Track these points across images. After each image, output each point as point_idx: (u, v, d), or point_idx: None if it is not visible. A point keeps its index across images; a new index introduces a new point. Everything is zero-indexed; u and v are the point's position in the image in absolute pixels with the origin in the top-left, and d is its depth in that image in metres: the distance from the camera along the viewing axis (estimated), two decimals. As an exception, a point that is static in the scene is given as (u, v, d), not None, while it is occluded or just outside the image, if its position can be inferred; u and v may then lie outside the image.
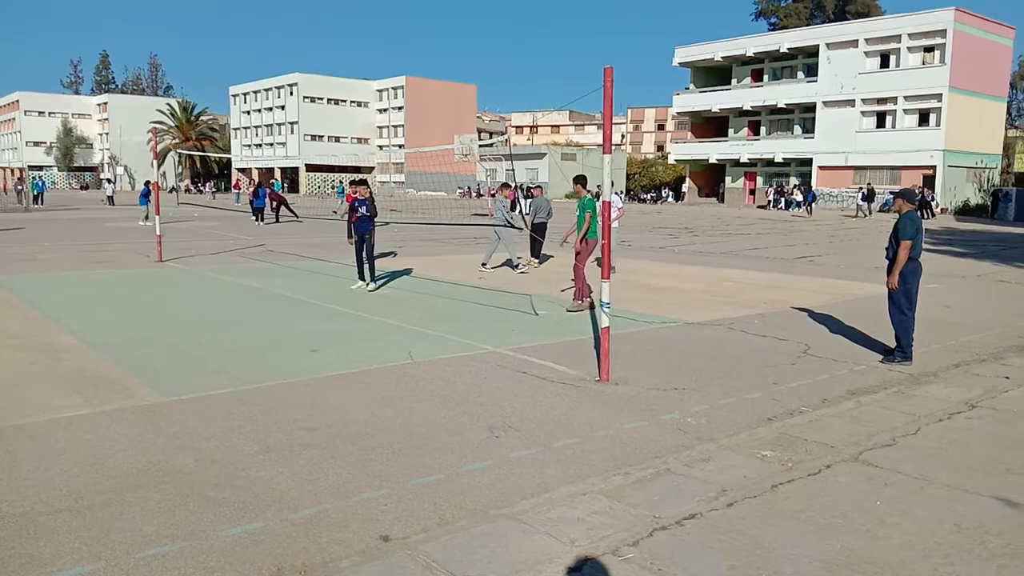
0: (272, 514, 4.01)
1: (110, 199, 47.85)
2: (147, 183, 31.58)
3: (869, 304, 11.23)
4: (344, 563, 3.52)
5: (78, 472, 4.55)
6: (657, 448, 5.10)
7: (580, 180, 11.23)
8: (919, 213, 8.35)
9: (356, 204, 12.24)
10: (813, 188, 50.11)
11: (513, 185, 14.93)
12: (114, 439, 5.13)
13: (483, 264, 15.11)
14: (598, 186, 14.43)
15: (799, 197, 49.34)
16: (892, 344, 7.91)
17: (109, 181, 57.78)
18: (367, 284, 12.19)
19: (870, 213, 41.60)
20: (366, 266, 12.24)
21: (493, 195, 46.88)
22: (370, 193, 12.44)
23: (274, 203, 31.94)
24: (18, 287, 12.02)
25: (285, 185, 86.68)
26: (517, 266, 14.99)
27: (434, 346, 8.14)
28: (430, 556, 3.58)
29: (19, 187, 42.55)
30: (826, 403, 6.21)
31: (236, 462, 4.74)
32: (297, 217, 31.69)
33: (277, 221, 31.03)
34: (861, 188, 44.72)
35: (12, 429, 5.30)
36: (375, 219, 12.30)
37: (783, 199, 51.73)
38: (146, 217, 28.78)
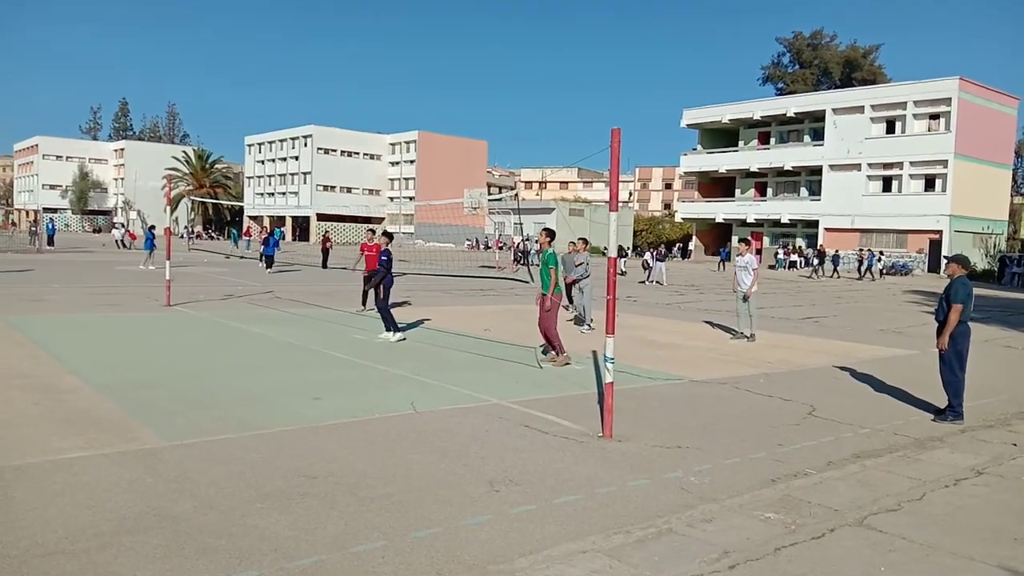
0: (268, 563, 3.97)
1: (121, 242, 48.13)
2: (151, 228, 32.01)
3: (875, 367, 11.18)
4: (338, 615, 3.47)
5: (75, 514, 4.52)
6: (659, 507, 5.04)
7: (548, 233, 10.92)
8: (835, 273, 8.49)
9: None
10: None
11: (522, 237, 15.05)
12: (113, 482, 5.10)
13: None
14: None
15: (795, 258, 50.62)
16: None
17: (122, 225, 58.30)
18: (389, 335, 12.10)
19: (821, 274, 42.10)
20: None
21: (501, 247, 47.27)
22: (383, 245, 12.62)
23: (323, 246, 34.15)
24: (26, 327, 12.08)
25: (297, 234, 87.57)
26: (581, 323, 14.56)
27: (437, 396, 8.12)
28: (426, 611, 3.52)
29: (33, 228, 43.08)
30: (831, 466, 6.14)
31: (234, 509, 4.71)
32: (324, 266, 32.34)
33: (325, 267, 32.04)
34: (819, 250, 45.64)
35: (11, 469, 5.28)
36: (386, 271, 12.31)
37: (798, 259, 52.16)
38: (148, 261, 29.02)
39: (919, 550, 4.45)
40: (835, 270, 43.28)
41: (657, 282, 30.81)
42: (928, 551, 4.44)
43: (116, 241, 48.77)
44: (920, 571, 4.16)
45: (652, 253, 33.23)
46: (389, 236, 12.93)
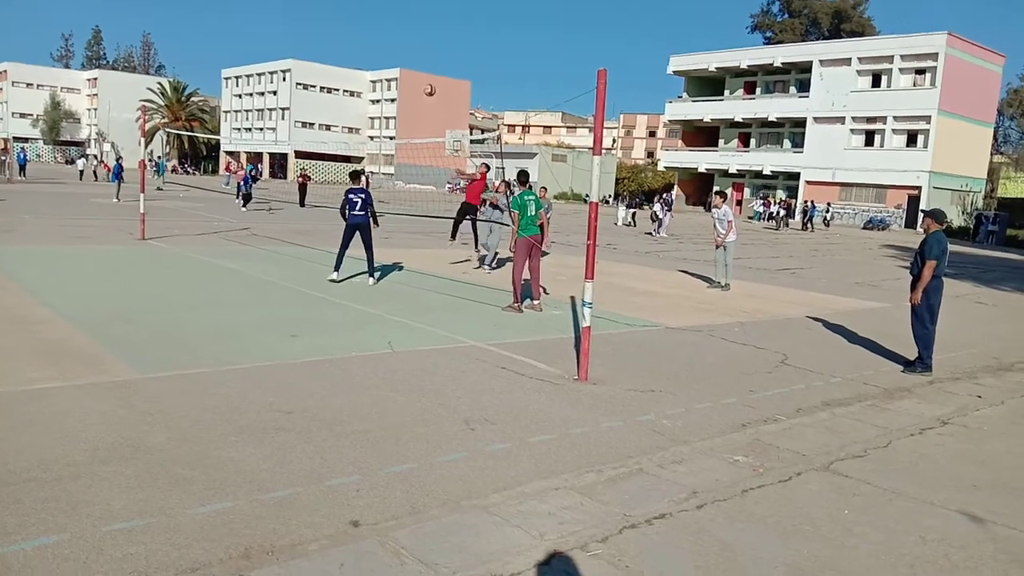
0: (242, 495, 3.99)
1: (84, 173, 47.02)
2: (118, 160, 31.20)
3: (849, 318, 11.34)
4: (313, 546, 3.50)
5: (48, 444, 4.50)
6: (631, 448, 5.12)
7: (520, 176, 10.85)
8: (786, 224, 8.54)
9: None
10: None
11: (501, 179, 14.86)
12: (86, 413, 5.08)
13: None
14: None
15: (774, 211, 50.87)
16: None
17: (95, 157, 56.79)
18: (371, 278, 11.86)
19: (786, 225, 43.75)
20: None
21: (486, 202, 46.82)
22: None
23: (300, 183, 33.38)
24: (-4, 257, 11.86)
25: (275, 171, 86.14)
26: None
27: (415, 337, 8.13)
28: (400, 543, 3.58)
29: (3, 158, 41.90)
30: (800, 412, 6.26)
31: (209, 441, 4.71)
32: (302, 205, 31.81)
33: (302, 205, 31.52)
34: (785, 203, 47.33)
35: (-18, 398, 5.23)
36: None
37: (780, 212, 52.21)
38: (117, 196, 28.46)
39: (883, 495, 4.57)
40: (784, 220, 44.30)
41: (663, 234, 28.55)
42: (892, 496, 4.56)
43: (80, 172, 47.41)
44: (883, 515, 4.28)
45: (660, 203, 29.90)
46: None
